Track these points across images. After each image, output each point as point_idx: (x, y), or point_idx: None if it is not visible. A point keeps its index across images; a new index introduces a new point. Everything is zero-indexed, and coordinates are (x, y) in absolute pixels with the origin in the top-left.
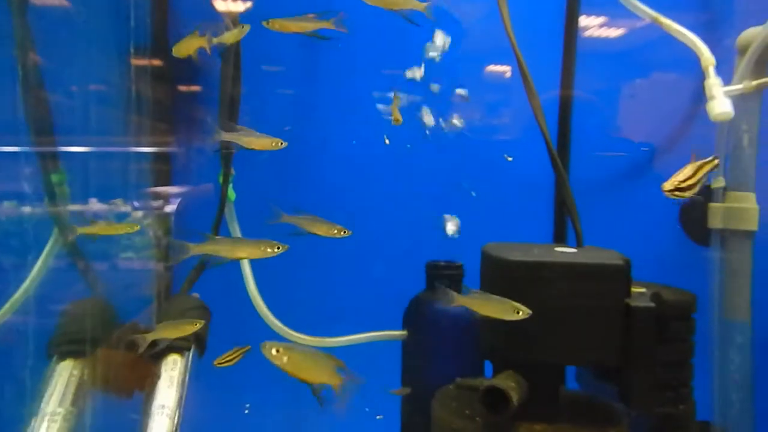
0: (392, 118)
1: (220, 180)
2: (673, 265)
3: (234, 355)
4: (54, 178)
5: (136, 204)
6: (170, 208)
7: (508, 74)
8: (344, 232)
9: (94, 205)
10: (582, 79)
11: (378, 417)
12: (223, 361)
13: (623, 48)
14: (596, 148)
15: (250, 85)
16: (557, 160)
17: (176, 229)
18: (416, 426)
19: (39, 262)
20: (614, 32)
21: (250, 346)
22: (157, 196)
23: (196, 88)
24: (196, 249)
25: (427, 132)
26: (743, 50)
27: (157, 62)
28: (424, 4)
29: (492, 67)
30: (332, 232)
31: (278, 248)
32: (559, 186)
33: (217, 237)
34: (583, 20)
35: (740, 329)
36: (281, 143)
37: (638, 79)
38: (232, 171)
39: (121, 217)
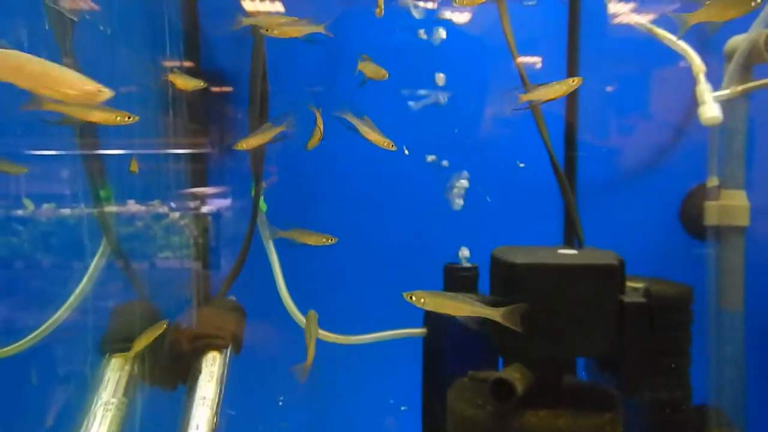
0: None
1: (252, 193)
2: (675, 260)
3: None
4: (102, 193)
5: (173, 205)
6: (207, 208)
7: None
8: (332, 240)
9: (132, 206)
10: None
11: (402, 408)
12: None
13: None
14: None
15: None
16: (559, 171)
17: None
18: (436, 415)
19: (92, 265)
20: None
21: None
22: (194, 197)
23: (226, 88)
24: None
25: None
26: (730, 56)
27: (188, 63)
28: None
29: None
30: (321, 241)
31: None
32: (562, 193)
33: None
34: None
35: (734, 317)
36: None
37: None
38: (263, 184)
39: (159, 218)
